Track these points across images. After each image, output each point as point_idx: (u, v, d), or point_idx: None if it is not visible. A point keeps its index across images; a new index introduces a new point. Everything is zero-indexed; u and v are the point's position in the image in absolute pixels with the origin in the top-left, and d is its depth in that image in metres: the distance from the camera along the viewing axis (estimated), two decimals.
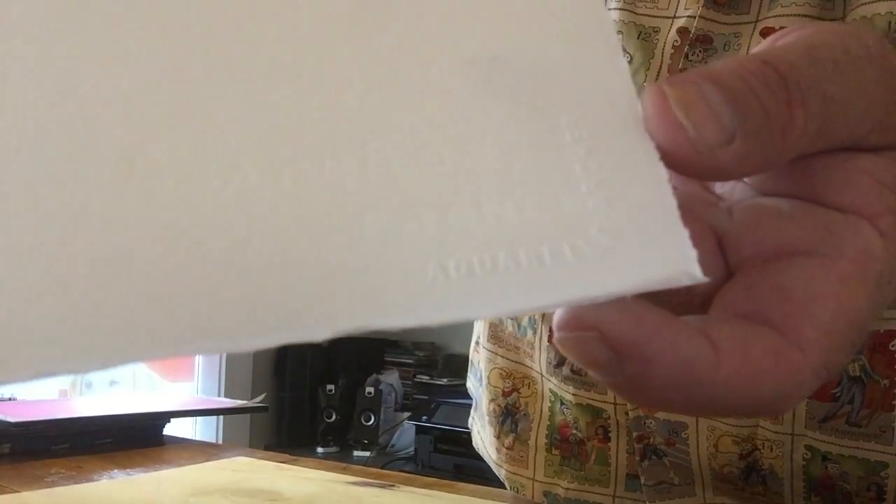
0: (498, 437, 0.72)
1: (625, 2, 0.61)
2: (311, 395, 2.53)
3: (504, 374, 0.70)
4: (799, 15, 0.54)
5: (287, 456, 0.90)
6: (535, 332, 0.68)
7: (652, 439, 0.64)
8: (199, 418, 2.33)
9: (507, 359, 0.70)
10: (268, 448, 2.34)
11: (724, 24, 0.57)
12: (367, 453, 2.43)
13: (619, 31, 0.61)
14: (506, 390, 0.71)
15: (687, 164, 0.21)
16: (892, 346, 0.54)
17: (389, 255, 0.22)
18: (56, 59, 0.24)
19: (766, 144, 0.21)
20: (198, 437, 1.08)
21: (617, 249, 0.20)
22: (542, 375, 0.67)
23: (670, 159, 0.21)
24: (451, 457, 2.18)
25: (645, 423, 0.63)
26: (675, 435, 0.62)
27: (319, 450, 2.46)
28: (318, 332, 0.22)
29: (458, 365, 2.60)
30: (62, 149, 0.23)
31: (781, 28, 0.45)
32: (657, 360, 0.19)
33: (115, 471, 0.76)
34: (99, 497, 0.68)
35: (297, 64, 0.25)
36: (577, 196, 0.22)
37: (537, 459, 0.69)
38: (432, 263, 0.21)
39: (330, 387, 2.50)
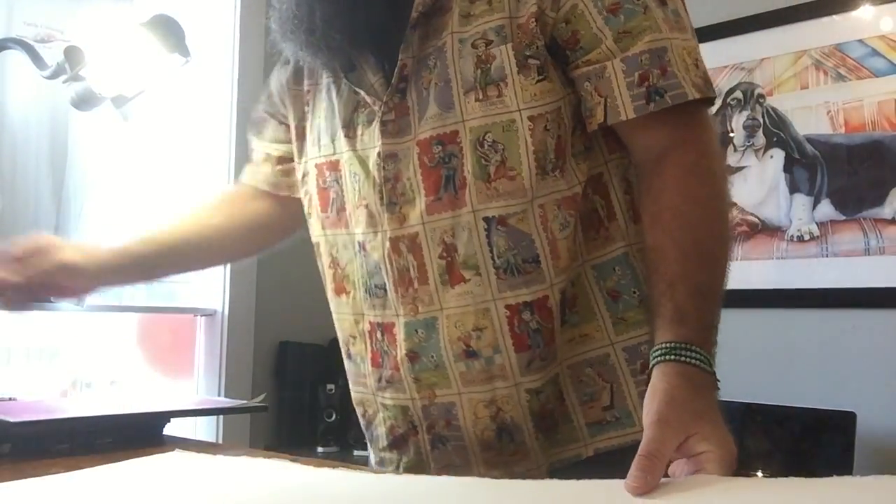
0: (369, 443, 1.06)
1: (350, 143, 0.96)
2: (311, 395, 2.53)
3: (357, 401, 1.04)
4: (433, 129, 0.89)
5: (287, 455, 0.90)
6: (363, 362, 0.99)
7: (437, 427, 0.92)
8: (199, 418, 2.33)
9: (358, 391, 1.03)
10: (268, 448, 2.34)
11: (398, 144, 0.92)
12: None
13: (353, 163, 0.96)
14: (363, 413, 1.04)
15: None
16: (549, 304, 0.89)
17: None
18: None
19: None
20: (198, 437, 1.08)
21: None
22: (374, 394, 0.99)
23: None
24: None
25: (430, 411, 0.92)
26: (450, 414, 0.91)
27: (319, 449, 2.46)
28: None
29: None
30: None
31: (426, 139, 0.89)
32: None
33: None
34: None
35: None
36: None
37: (384, 457, 1.02)
38: None
39: (330, 387, 2.49)
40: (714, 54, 2.42)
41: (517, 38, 0.86)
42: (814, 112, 2.28)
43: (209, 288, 2.51)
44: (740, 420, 2.12)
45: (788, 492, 0.60)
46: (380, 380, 0.97)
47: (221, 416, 2.36)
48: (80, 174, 1.85)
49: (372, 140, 0.93)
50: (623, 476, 0.63)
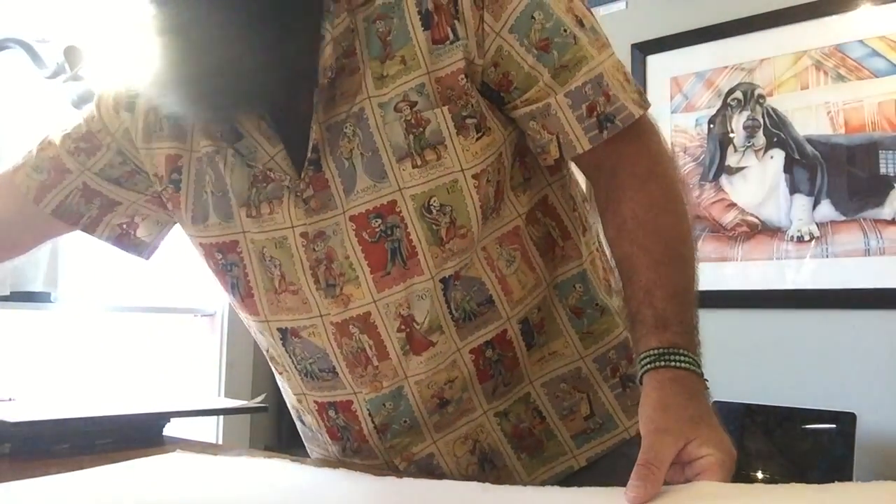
0: None
1: (256, 224, 0.87)
2: None
3: (321, 461, 0.99)
4: (367, 202, 0.83)
5: (287, 455, 0.90)
6: (319, 433, 0.96)
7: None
8: (199, 418, 2.33)
9: (319, 454, 1.01)
10: (268, 448, 2.34)
11: (324, 220, 0.85)
12: None
13: (265, 246, 0.87)
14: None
15: None
16: (508, 336, 0.89)
17: None
18: None
19: None
20: (198, 437, 1.08)
21: None
22: (340, 459, 0.95)
23: None
24: None
25: (410, 470, 0.89)
26: (431, 465, 0.90)
27: None
28: None
29: None
30: None
31: (361, 214, 0.83)
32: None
33: None
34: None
35: None
36: None
37: None
38: None
39: None
40: (714, 54, 2.42)
41: (448, 98, 0.82)
42: (814, 112, 2.28)
43: (209, 288, 2.51)
44: (740, 421, 2.12)
45: (789, 499, 0.60)
46: (344, 450, 0.94)
47: (221, 417, 2.36)
48: None
49: (287, 219, 0.86)
50: (617, 479, 0.63)
